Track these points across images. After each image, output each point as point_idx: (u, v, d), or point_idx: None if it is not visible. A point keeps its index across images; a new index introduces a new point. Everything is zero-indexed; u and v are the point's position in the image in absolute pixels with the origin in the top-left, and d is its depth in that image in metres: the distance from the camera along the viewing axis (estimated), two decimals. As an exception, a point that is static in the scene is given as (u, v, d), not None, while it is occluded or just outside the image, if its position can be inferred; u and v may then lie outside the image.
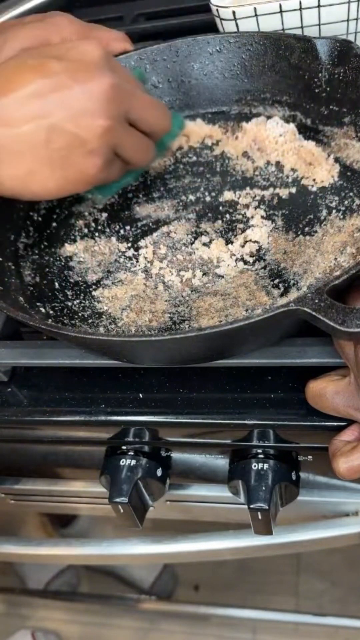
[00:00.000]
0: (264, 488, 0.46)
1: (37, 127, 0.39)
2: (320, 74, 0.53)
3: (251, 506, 0.46)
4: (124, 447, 0.51)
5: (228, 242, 0.49)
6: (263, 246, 0.48)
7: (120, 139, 0.42)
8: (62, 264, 0.52)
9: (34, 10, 0.64)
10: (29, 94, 0.39)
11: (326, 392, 0.41)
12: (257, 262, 0.48)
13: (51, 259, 0.52)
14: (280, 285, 0.45)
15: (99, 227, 0.54)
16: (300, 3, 0.53)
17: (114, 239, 0.53)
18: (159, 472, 0.51)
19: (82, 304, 0.48)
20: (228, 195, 0.53)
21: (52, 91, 0.39)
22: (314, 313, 0.34)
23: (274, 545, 0.56)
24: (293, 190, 0.52)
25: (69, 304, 0.48)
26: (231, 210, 0.52)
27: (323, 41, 0.51)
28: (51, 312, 0.48)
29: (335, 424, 0.43)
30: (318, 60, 0.52)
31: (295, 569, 1.14)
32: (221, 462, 0.52)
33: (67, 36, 0.52)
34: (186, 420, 0.46)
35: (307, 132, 0.54)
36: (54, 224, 0.55)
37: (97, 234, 0.53)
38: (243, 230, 0.50)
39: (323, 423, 0.44)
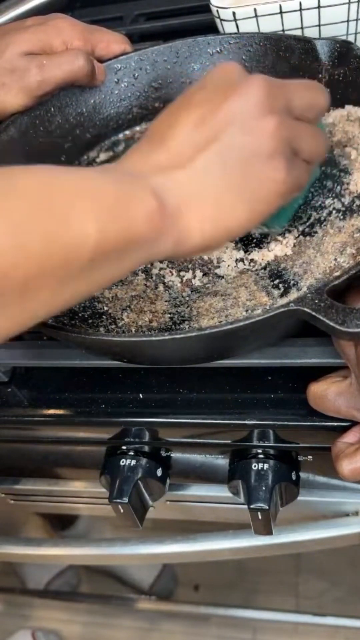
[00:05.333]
0: (264, 488, 0.46)
1: (210, 155, 0.36)
2: (320, 75, 0.53)
3: (251, 506, 0.46)
4: (124, 447, 0.51)
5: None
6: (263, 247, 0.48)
7: (292, 131, 0.38)
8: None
9: (35, 11, 0.64)
10: (190, 129, 0.37)
11: (328, 394, 0.41)
12: (257, 262, 0.48)
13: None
14: (280, 285, 0.45)
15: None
16: (300, 4, 0.53)
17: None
18: (159, 472, 0.51)
19: (82, 304, 0.48)
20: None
21: (210, 115, 0.37)
22: (313, 313, 0.35)
23: (274, 545, 0.56)
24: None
25: (69, 304, 0.48)
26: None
27: (323, 42, 0.52)
28: (51, 312, 0.48)
29: (335, 424, 0.43)
30: (318, 61, 0.52)
31: (295, 569, 1.14)
32: (221, 462, 0.52)
33: (69, 39, 0.52)
34: (186, 420, 0.46)
35: None
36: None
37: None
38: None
39: (323, 423, 0.44)
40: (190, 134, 0.36)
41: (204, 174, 0.36)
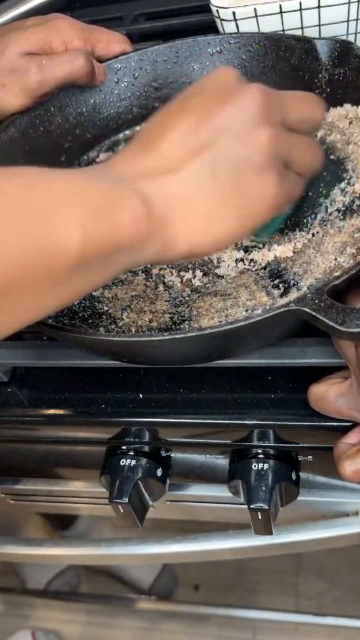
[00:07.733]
0: (264, 488, 0.46)
1: (202, 161, 0.35)
2: (320, 75, 0.53)
3: (251, 506, 0.46)
4: (124, 447, 0.51)
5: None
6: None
7: (286, 145, 0.37)
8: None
9: (34, 11, 0.64)
10: (182, 134, 0.36)
11: (328, 395, 0.41)
12: (257, 262, 0.48)
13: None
14: (280, 285, 0.45)
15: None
16: (300, 4, 0.53)
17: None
18: (159, 472, 0.51)
19: (83, 304, 0.48)
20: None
21: (203, 121, 0.36)
22: (313, 313, 0.35)
23: (274, 545, 0.56)
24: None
25: (69, 304, 0.48)
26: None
27: (323, 42, 0.52)
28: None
29: (335, 424, 0.43)
30: (318, 61, 0.52)
31: (295, 569, 1.14)
32: (221, 462, 0.52)
33: (68, 39, 0.52)
34: (186, 420, 0.46)
35: None
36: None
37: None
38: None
39: (323, 423, 0.44)
40: (182, 140, 0.36)
41: (194, 181, 0.35)
